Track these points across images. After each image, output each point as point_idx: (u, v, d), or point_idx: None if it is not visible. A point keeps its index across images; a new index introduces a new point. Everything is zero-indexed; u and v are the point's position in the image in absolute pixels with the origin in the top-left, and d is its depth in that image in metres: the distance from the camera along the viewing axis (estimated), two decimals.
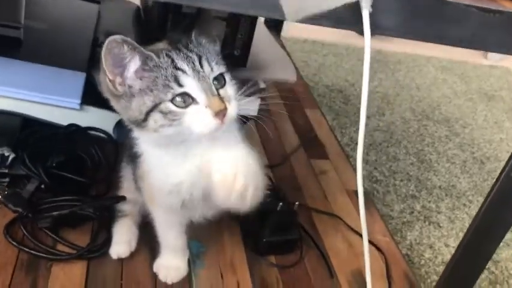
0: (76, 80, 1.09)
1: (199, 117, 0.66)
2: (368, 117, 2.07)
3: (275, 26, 2.02)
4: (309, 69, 2.38)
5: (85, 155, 1.04)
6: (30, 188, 0.94)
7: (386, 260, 1.03)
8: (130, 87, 0.67)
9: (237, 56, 1.42)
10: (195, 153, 0.73)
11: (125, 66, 0.66)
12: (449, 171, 1.86)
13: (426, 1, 0.57)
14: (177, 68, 0.66)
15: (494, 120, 2.34)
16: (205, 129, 0.67)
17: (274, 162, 1.27)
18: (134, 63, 0.66)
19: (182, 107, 0.66)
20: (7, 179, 0.96)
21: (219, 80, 0.69)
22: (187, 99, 0.66)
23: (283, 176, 1.23)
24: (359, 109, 2.26)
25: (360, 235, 1.08)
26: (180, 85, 0.66)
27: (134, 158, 0.82)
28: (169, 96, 0.66)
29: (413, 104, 2.30)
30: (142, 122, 0.67)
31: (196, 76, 0.67)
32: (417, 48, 2.85)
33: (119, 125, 1.08)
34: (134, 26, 1.45)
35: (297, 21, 0.53)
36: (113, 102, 0.71)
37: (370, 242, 1.08)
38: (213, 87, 0.68)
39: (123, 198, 0.93)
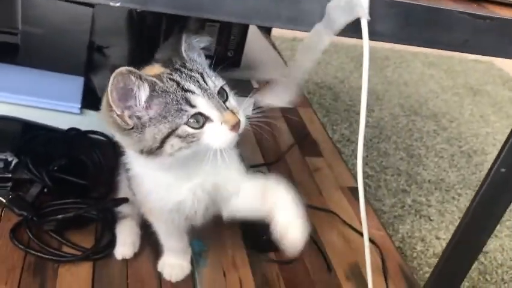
0: (75, 84, 1.11)
1: (216, 134, 0.67)
2: (357, 113, 2.11)
3: (265, 27, 2.04)
4: None
5: (86, 159, 1.05)
6: (34, 192, 0.96)
7: (381, 254, 1.07)
8: (139, 118, 0.66)
9: (230, 57, 1.45)
10: (197, 172, 0.74)
11: (134, 97, 0.65)
12: (437, 165, 1.91)
13: (420, 8, 0.60)
14: (185, 90, 0.66)
15: (480, 114, 2.39)
16: (224, 143, 0.68)
17: (270, 160, 1.30)
18: (144, 93, 0.65)
19: (197, 128, 0.66)
20: (10, 184, 0.98)
21: (221, 93, 0.70)
22: (200, 118, 0.66)
23: (278, 174, 1.25)
24: (349, 105, 2.29)
25: (356, 230, 1.13)
26: (192, 106, 0.66)
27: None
28: (185, 119, 0.65)
29: (402, 100, 2.34)
30: (156, 150, 0.67)
31: (205, 94, 0.67)
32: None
33: None
34: (127, 29, 1.47)
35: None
36: (121, 138, 0.69)
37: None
38: (221, 102, 0.68)
39: (126, 200, 0.95)
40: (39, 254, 0.89)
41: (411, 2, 0.59)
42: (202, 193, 0.77)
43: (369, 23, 0.57)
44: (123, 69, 0.62)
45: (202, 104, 0.67)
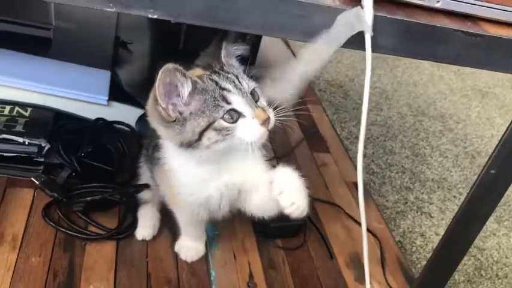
0: (102, 77, 1.20)
1: (248, 128, 0.75)
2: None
3: None
4: None
5: (111, 147, 1.14)
6: (64, 175, 1.05)
7: (380, 245, 1.15)
8: (181, 113, 0.74)
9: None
10: (227, 170, 0.82)
11: (177, 92, 0.72)
12: (441, 164, 1.98)
13: (419, 26, 0.68)
14: (222, 88, 0.75)
15: (486, 116, 2.45)
16: (255, 137, 0.75)
17: (280, 154, 1.38)
18: (186, 89, 0.72)
19: (231, 122, 0.74)
20: (42, 167, 1.07)
21: (253, 94, 0.78)
22: (233, 114, 0.74)
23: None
24: (358, 104, 2.38)
25: (358, 223, 1.20)
26: (228, 102, 0.74)
27: (154, 160, 0.92)
28: (221, 113, 0.73)
29: (410, 100, 2.40)
30: (194, 142, 0.75)
31: (240, 93, 0.75)
32: None
33: (142, 119, 1.19)
34: (150, 25, 1.56)
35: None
36: (163, 131, 0.77)
37: (366, 228, 1.19)
38: (253, 101, 0.76)
39: (147, 186, 1.03)
40: (68, 231, 0.98)
41: (412, 20, 0.67)
42: (227, 190, 0.85)
43: (372, 38, 0.65)
44: (170, 66, 0.70)
45: (237, 101, 0.75)
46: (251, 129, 0.75)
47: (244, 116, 0.75)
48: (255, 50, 1.51)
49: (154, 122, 0.77)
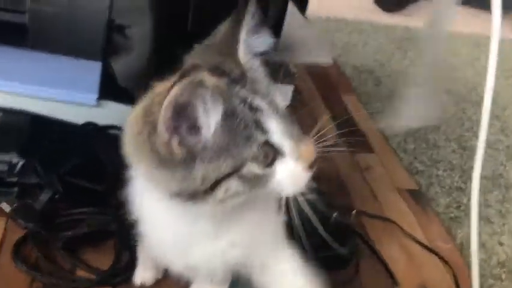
0: (91, 71, 0.96)
1: (291, 176, 0.49)
2: None
3: (300, 4, 1.87)
4: (335, 50, 2.23)
5: (104, 158, 0.90)
6: (44, 199, 0.82)
7: (453, 273, 0.90)
8: (189, 147, 0.47)
9: None
10: (228, 228, 0.57)
11: (194, 118, 0.46)
12: (494, 158, 1.71)
13: None
14: (254, 109, 0.47)
15: None
16: (298, 188, 0.50)
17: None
18: (215, 115, 0.46)
19: (266, 166, 0.48)
20: (15, 189, 0.83)
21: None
22: (268, 151, 0.48)
23: (324, 174, 1.09)
24: (391, 91, 2.07)
25: (419, 242, 0.96)
26: (264, 131, 0.47)
27: None
28: (254, 151, 0.47)
29: (449, 85, 2.14)
30: (202, 194, 0.48)
31: (276, 114, 0.48)
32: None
33: None
34: (151, 4, 1.31)
35: None
36: (154, 173, 0.49)
37: (431, 250, 0.95)
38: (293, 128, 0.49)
39: None
40: (47, 279, 0.73)
41: None
42: (222, 256, 0.59)
43: None
44: (198, 78, 0.43)
45: (274, 127, 0.48)
46: (294, 178, 0.49)
47: (282, 155, 0.48)
48: (277, 32, 1.26)
49: (141, 161, 0.49)
